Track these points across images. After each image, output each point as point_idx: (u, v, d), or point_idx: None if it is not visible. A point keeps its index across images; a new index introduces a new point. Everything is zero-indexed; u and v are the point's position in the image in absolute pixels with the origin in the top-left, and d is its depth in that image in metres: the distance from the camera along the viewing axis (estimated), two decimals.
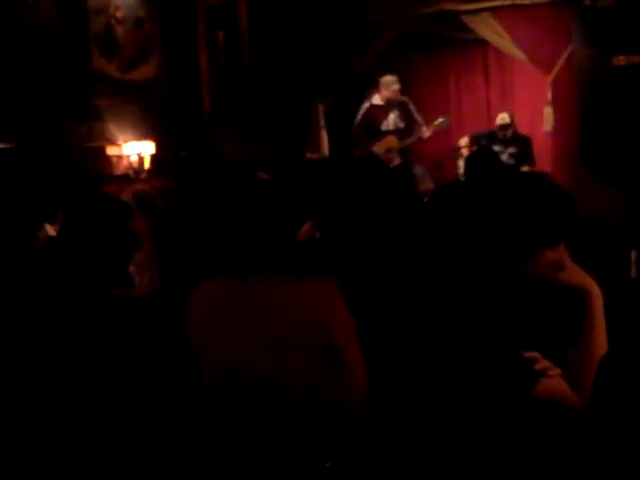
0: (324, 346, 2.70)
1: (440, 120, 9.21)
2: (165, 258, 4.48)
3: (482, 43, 10.10)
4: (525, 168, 8.84)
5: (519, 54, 9.46)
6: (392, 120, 9.29)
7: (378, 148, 9.11)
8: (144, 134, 7.99)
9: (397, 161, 8.96)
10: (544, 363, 2.27)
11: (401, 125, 9.29)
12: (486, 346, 2.31)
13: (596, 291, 2.33)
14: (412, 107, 9.35)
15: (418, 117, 9.33)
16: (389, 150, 9.07)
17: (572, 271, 2.34)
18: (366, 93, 9.60)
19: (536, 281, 2.38)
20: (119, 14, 7.96)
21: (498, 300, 2.44)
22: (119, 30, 7.98)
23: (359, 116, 9.34)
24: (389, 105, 9.26)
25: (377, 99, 9.31)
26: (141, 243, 4.58)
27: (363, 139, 9.28)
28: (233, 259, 2.83)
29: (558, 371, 2.27)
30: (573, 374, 2.27)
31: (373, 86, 9.50)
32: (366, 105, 9.36)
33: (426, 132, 9.18)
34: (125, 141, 7.80)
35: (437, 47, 10.83)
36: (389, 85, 9.20)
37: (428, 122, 9.24)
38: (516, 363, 2.28)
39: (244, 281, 2.76)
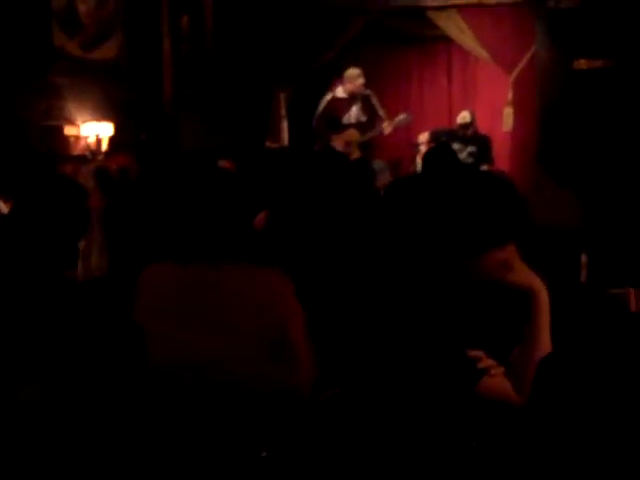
0: (273, 334, 2.69)
1: (402, 117, 9.23)
2: (116, 241, 4.45)
3: (447, 40, 10.13)
4: (484, 167, 8.88)
5: (482, 53, 9.52)
6: (354, 113, 9.27)
7: (338, 141, 9.09)
8: (103, 115, 7.91)
9: (356, 155, 8.94)
10: (487, 361, 2.29)
11: (363, 119, 9.28)
12: (431, 343, 2.32)
13: (543, 293, 2.34)
14: (375, 101, 9.34)
15: (380, 111, 9.33)
16: (348, 143, 9.05)
17: (520, 272, 2.35)
18: (329, 85, 9.58)
19: (483, 280, 2.39)
20: None
21: (445, 297, 2.45)
22: (82, 7, 7.89)
23: (320, 107, 9.30)
24: (352, 98, 9.24)
25: (340, 91, 9.27)
26: (92, 223, 4.55)
27: (323, 131, 9.24)
28: (184, 244, 2.82)
29: (501, 370, 2.29)
30: (516, 373, 2.28)
31: (337, 78, 9.48)
32: (328, 97, 9.31)
33: (387, 128, 9.19)
34: (84, 121, 7.71)
35: (402, 42, 10.82)
36: (353, 78, 9.17)
37: (390, 118, 9.26)
38: (460, 360, 2.29)
39: (194, 266, 2.75)
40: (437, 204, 2.61)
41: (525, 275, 2.35)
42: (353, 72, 9.15)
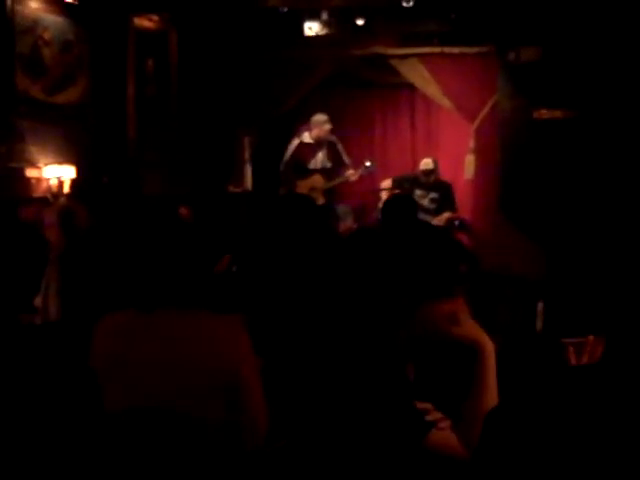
0: (227, 382, 2.69)
1: (368, 164, 9.34)
2: (71, 285, 4.43)
3: (410, 87, 10.24)
4: (446, 214, 8.96)
5: (445, 101, 9.62)
6: (320, 159, 9.38)
7: (303, 187, 9.17)
8: (66, 158, 7.90)
9: (321, 201, 9.01)
10: (435, 414, 2.30)
11: (328, 165, 9.39)
12: (380, 393, 2.33)
13: (488, 347, 2.37)
14: (340, 147, 9.46)
15: (346, 158, 9.45)
16: (313, 189, 9.13)
17: (466, 326, 2.38)
18: (295, 130, 9.66)
19: (431, 332, 2.41)
20: (47, 35, 7.88)
21: (395, 347, 2.47)
22: (46, 52, 7.89)
23: (288, 153, 9.40)
24: (318, 144, 9.35)
25: (307, 137, 9.37)
26: (50, 264, 4.52)
27: (289, 176, 9.33)
28: (141, 291, 2.81)
29: (448, 423, 2.30)
30: (463, 427, 2.30)
31: (303, 123, 9.56)
32: (295, 142, 9.42)
33: (353, 175, 9.32)
34: (46, 164, 7.69)
35: (365, 88, 10.92)
36: (320, 124, 9.28)
37: (355, 165, 9.36)
38: (409, 413, 2.30)
39: (150, 314, 2.74)
40: (390, 255, 2.64)
41: (471, 329, 2.38)
42: (320, 118, 9.26)
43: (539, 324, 4.64)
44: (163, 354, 2.68)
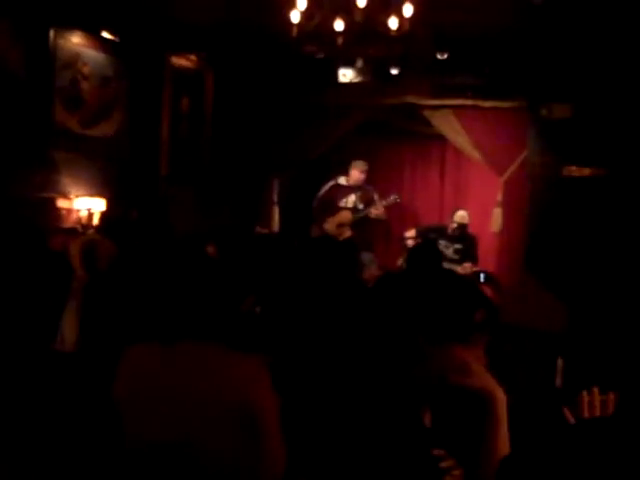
0: (245, 420, 2.70)
1: (392, 197, 9.53)
2: (92, 316, 4.47)
3: (441, 138, 10.27)
4: (467, 264, 8.98)
5: (475, 154, 9.65)
6: (352, 200, 9.64)
7: (332, 222, 9.41)
8: (97, 190, 8.00)
9: (348, 234, 9.24)
10: (449, 461, 2.31)
11: (360, 207, 9.62)
12: (397, 439, 2.35)
13: (500, 396, 2.38)
14: (376, 197, 9.67)
15: (379, 206, 9.65)
16: (341, 224, 9.35)
17: (478, 375, 2.40)
18: (332, 173, 9.97)
19: (444, 379, 2.43)
20: (86, 70, 8.03)
21: (410, 390, 2.49)
22: (84, 85, 8.04)
23: (322, 191, 9.76)
24: (353, 188, 9.59)
25: (342, 180, 9.79)
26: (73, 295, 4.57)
27: (320, 213, 9.54)
28: (165, 324, 2.85)
29: (461, 471, 2.31)
30: (475, 474, 2.30)
31: (338, 167, 9.79)
32: (331, 183, 9.85)
33: (378, 207, 9.50)
34: (77, 195, 7.79)
35: (396, 136, 10.98)
36: (358, 169, 9.58)
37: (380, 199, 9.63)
38: (424, 459, 2.31)
39: (173, 348, 2.77)
40: (412, 299, 2.67)
41: (481, 380, 2.40)
42: (359, 164, 9.56)
43: (559, 380, 4.63)
44: (183, 387, 2.71)
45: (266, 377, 2.78)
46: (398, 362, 2.60)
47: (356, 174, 9.71)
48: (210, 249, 6.58)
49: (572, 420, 2.42)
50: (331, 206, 9.68)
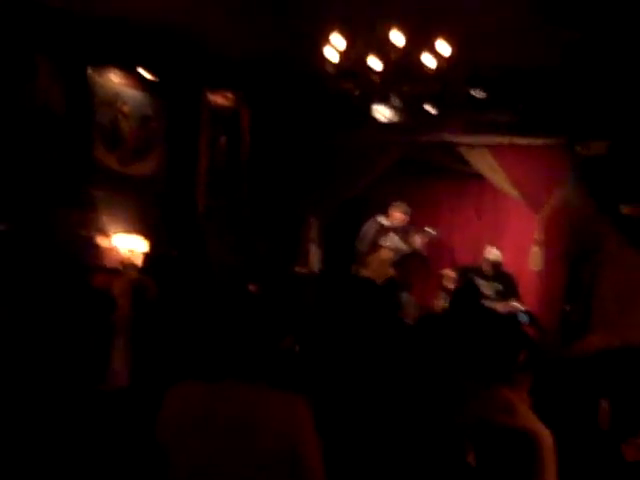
0: (289, 460, 2.69)
1: (430, 230, 9.57)
2: (141, 353, 4.48)
3: (477, 175, 10.23)
4: (513, 302, 8.94)
5: (512, 191, 9.62)
6: (394, 240, 9.66)
7: (373, 261, 9.45)
8: (136, 228, 8.03)
9: (390, 272, 9.24)
10: None
11: (401, 246, 9.63)
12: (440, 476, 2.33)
13: (546, 439, 2.36)
14: (416, 238, 9.70)
15: (418, 243, 9.69)
16: (383, 262, 9.35)
17: (523, 416, 2.38)
18: (370, 212, 10.10)
19: (487, 420, 2.41)
20: (126, 109, 8.12)
21: (454, 432, 2.47)
22: (124, 124, 8.12)
23: (363, 231, 9.78)
24: (394, 228, 9.64)
25: (383, 219, 9.88)
26: (119, 333, 4.58)
27: (362, 252, 9.55)
28: (209, 362, 2.85)
29: None
30: None
31: (378, 206, 9.98)
32: (372, 222, 9.91)
33: (417, 240, 9.54)
34: (116, 233, 7.82)
35: (433, 174, 10.96)
36: (400, 211, 9.72)
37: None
38: None
39: (217, 385, 2.77)
40: (454, 341, 2.66)
41: (527, 420, 2.37)
42: (400, 205, 9.67)
43: (603, 422, 4.56)
44: (228, 426, 2.70)
45: (308, 417, 2.77)
46: (441, 403, 2.59)
47: (398, 216, 9.79)
48: (251, 288, 6.63)
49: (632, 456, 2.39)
50: (373, 245, 9.71)
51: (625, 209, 8.65)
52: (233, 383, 2.76)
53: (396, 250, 9.69)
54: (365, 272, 9.46)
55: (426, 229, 9.80)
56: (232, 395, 2.75)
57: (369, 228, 9.86)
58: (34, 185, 7.02)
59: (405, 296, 8.29)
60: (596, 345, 4.00)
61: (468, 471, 2.44)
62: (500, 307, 8.76)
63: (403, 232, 9.84)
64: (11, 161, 6.82)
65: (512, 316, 8.57)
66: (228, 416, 2.72)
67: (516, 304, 8.92)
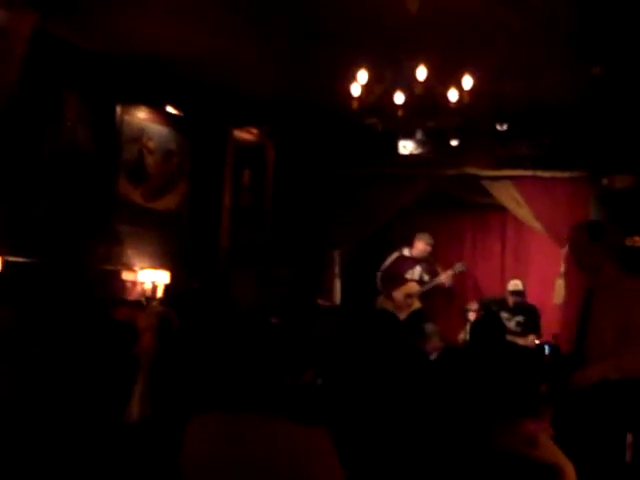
0: None
1: (458, 265, 9.59)
2: (161, 386, 4.49)
3: (501, 208, 10.22)
4: (531, 337, 8.88)
5: (536, 224, 9.60)
6: (418, 272, 9.79)
7: (399, 294, 9.48)
8: (160, 262, 8.10)
9: (416, 305, 9.28)
10: None
11: (426, 278, 9.70)
12: None
13: (569, 471, 2.35)
14: (438, 268, 9.72)
15: (443, 276, 9.69)
16: (409, 295, 9.40)
17: (546, 448, 2.37)
18: (394, 245, 10.13)
19: (510, 451, 2.40)
20: (151, 144, 8.21)
21: (478, 472, 2.46)
22: (149, 160, 8.21)
23: (387, 263, 9.94)
24: (418, 260, 9.71)
25: (406, 251, 9.92)
26: (144, 364, 4.60)
27: (387, 285, 9.59)
28: (229, 395, 2.85)
29: None
30: None
31: (401, 239, 10.10)
32: (396, 254, 9.93)
33: (445, 278, 9.53)
34: (141, 267, 7.89)
35: (456, 207, 10.96)
36: (423, 242, 9.79)
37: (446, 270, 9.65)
38: None
39: (237, 418, 2.77)
40: (475, 374, 2.66)
41: (550, 453, 2.37)
42: (424, 237, 9.70)
43: (628, 455, 4.52)
44: (249, 459, 2.70)
45: (332, 450, 2.77)
46: (464, 436, 2.58)
47: (422, 246, 9.80)
48: (273, 321, 6.64)
49: None
50: (397, 277, 9.75)
51: (635, 240, 8.62)
52: (253, 416, 2.77)
53: (420, 282, 9.73)
54: (389, 305, 9.47)
55: (457, 265, 9.81)
56: (252, 427, 2.75)
57: (392, 259, 9.87)
58: (62, 220, 7.10)
59: (430, 327, 8.27)
60: (593, 377, 3.99)
61: None
62: (522, 342, 8.72)
63: (427, 264, 9.85)
64: (40, 196, 6.91)
65: (535, 349, 8.53)
66: (249, 447, 2.72)
67: (536, 341, 8.87)
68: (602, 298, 3.93)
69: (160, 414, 4.50)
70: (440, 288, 9.86)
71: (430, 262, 9.88)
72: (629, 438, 4.56)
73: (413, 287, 9.68)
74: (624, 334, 3.65)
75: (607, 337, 3.66)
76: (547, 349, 8.72)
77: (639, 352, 3.70)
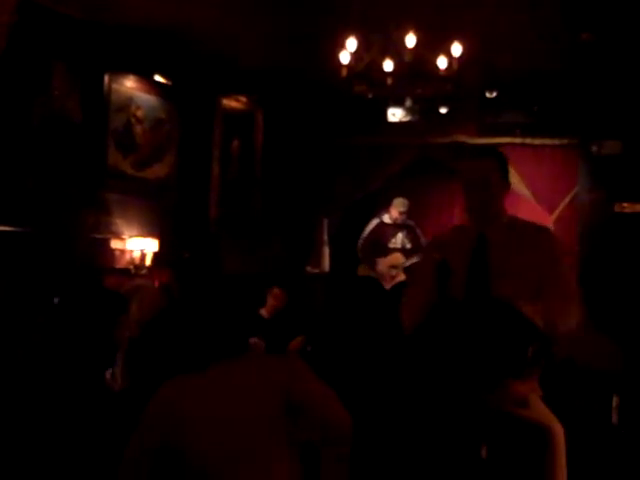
0: (285, 404, 2.69)
1: None
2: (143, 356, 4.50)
3: None
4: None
5: (525, 191, 9.61)
6: (400, 239, 9.66)
7: (383, 264, 9.41)
8: (149, 231, 8.09)
9: (401, 277, 9.19)
10: None
11: (408, 245, 9.64)
12: (454, 473, 2.35)
13: (558, 429, 2.38)
14: (419, 232, 9.64)
15: (423, 242, 9.58)
16: (394, 266, 9.34)
17: (536, 408, 2.40)
18: (376, 211, 9.92)
19: (501, 414, 2.43)
20: (139, 113, 8.17)
21: (469, 429, 2.48)
22: (138, 129, 8.17)
23: (367, 231, 9.71)
24: (397, 226, 9.56)
25: (387, 218, 9.77)
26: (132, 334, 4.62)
27: (369, 254, 9.54)
28: (192, 356, 2.83)
29: None
30: None
31: (383, 205, 9.84)
32: (375, 221, 9.78)
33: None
34: (130, 236, 7.88)
35: (445, 174, 10.94)
36: (400, 206, 9.53)
37: None
38: None
39: (206, 372, 2.75)
40: (464, 336, 2.67)
41: (540, 411, 2.40)
42: (400, 201, 9.50)
43: (614, 417, 4.59)
44: (227, 392, 2.70)
45: (301, 363, 2.78)
46: (454, 397, 2.60)
47: (395, 213, 9.72)
48: (276, 291, 6.69)
49: None
50: (380, 246, 9.66)
51: (622, 206, 8.65)
52: (220, 363, 2.78)
53: (404, 250, 9.65)
54: (373, 273, 9.46)
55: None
56: (224, 370, 2.76)
57: (371, 227, 9.80)
58: (51, 189, 7.08)
59: None
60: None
61: (480, 463, 2.47)
62: None
63: (408, 230, 9.78)
64: (28, 167, 6.89)
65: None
66: (226, 383, 2.72)
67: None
68: (505, 244, 3.47)
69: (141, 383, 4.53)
70: None
71: (411, 228, 9.80)
72: (615, 401, 4.63)
73: (398, 258, 9.58)
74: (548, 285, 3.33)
75: (523, 288, 3.18)
76: None
77: (572, 308, 3.34)
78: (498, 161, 3.66)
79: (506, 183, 3.63)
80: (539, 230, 3.70)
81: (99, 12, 7.22)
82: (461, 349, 2.59)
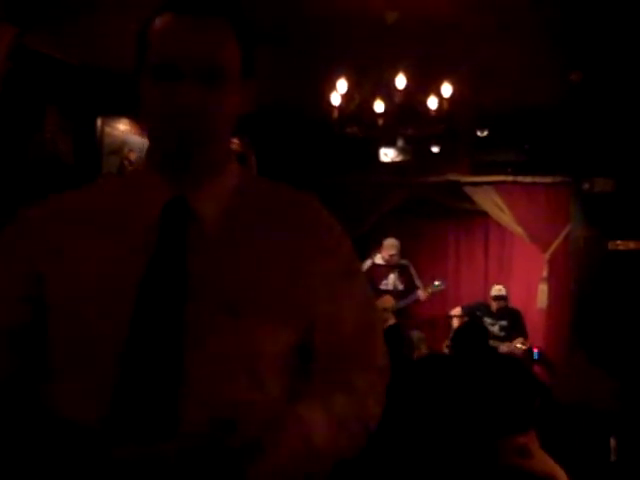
0: None
1: (436, 283, 9.46)
2: None
3: (484, 214, 10.24)
4: (520, 340, 8.88)
5: (518, 229, 9.65)
6: (392, 280, 9.55)
7: None
8: None
9: (391, 321, 9.09)
10: None
11: (400, 287, 9.55)
12: None
13: (563, 477, 2.35)
14: (413, 271, 9.62)
15: (418, 282, 9.57)
16: (384, 309, 9.23)
17: (540, 459, 2.37)
18: (368, 252, 9.84)
19: (503, 464, 2.40)
20: (132, 156, 8.17)
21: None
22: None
23: None
24: (390, 266, 9.51)
25: (378, 258, 9.68)
26: None
27: None
28: None
29: None
30: None
31: (376, 245, 9.81)
32: (368, 263, 9.65)
33: (422, 294, 9.42)
34: None
35: (439, 214, 10.96)
36: (390, 248, 9.49)
37: (425, 285, 9.46)
38: None
39: None
40: (463, 387, 2.65)
41: (545, 462, 2.37)
42: (390, 242, 9.49)
43: (613, 458, 4.55)
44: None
45: None
46: (454, 453, 2.57)
47: (385, 255, 9.67)
48: None
49: None
50: (372, 288, 9.55)
51: (616, 244, 8.67)
52: None
53: (395, 292, 9.55)
54: None
55: (435, 283, 9.60)
56: None
57: (365, 269, 9.62)
58: None
59: (416, 334, 8.23)
60: None
61: None
62: (504, 347, 8.73)
63: (401, 271, 9.70)
64: (20, 206, 6.86)
65: (522, 355, 8.51)
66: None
67: (519, 345, 8.85)
68: (228, 226, 1.72)
69: None
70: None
71: (404, 268, 9.76)
72: (612, 442, 4.60)
73: (388, 301, 9.44)
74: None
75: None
76: (536, 355, 8.76)
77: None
78: (233, 25, 1.73)
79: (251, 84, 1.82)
80: (295, 202, 1.88)
81: (92, 56, 7.24)
82: (463, 405, 2.57)
